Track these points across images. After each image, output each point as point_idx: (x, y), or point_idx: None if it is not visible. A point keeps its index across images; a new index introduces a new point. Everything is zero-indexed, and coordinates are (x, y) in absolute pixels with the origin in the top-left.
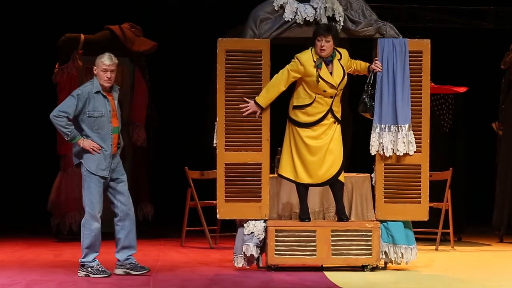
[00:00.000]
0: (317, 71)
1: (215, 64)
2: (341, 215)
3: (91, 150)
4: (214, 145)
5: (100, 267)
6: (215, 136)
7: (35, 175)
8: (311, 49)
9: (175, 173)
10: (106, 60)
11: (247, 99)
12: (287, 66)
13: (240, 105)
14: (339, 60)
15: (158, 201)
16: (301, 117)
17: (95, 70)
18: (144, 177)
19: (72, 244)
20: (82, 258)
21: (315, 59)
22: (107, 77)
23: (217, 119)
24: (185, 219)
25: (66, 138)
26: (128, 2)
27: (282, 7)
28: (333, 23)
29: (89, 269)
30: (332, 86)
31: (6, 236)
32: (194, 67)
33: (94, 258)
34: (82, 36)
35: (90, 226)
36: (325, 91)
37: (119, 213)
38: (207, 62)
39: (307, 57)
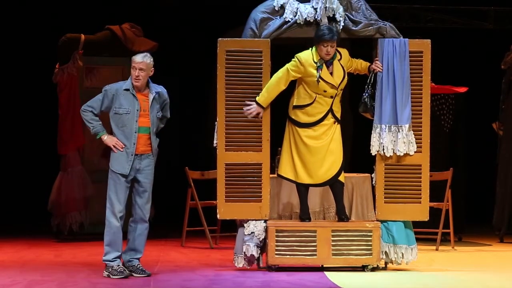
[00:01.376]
0: (318, 72)
1: (215, 64)
2: (342, 215)
3: (112, 147)
4: (214, 145)
5: (119, 267)
6: (215, 136)
7: (35, 175)
8: (312, 49)
9: (176, 173)
10: (136, 58)
11: (248, 102)
12: (287, 65)
13: (244, 108)
14: (339, 60)
15: (158, 201)
16: (301, 117)
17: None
18: None
19: (72, 244)
20: (104, 256)
21: (315, 59)
22: (135, 75)
23: (217, 119)
24: (186, 219)
25: (91, 132)
26: (128, 2)
27: (282, 7)
28: (334, 24)
29: (110, 269)
30: (332, 86)
31: (7, 236)
32: (194, 67)
33: (115, 258)
34: (83, 36)
35: (110, 224)
36: (325, 91)
37: (134, 215)
38: (207, 62)
39: (307, 57)
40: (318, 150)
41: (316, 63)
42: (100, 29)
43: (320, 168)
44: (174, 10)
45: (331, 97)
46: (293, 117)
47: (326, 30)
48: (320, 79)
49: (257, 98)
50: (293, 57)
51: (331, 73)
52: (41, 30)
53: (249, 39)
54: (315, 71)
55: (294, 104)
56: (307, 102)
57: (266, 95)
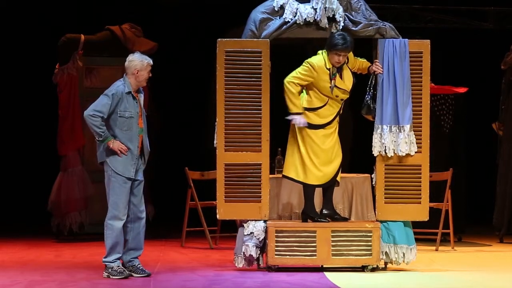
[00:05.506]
0: (331, 80)
1: (215, 65)
2: (335, 215)
3: (118, 152)
4: (215, 145)
5: (119, 268)
6: (215, 137)
7: (35, 175)
8: (322, 54)
9: (176, 174)
10: (150, 60)
11: (290, 117)
12: (299, 72)
13: (293, 122)
14: (346, 64)
15: (158, 202)
16: (313, 118)
17: (135, 71)
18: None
19: (72, 245)
20: (104, 258)
21: (328, 66)
22: (149, 77)
23: (217, 119)
24: (185, 219)
25: (97, 138)
26: (128, 2)
27: (282, 8)
28: (334, 24)
29: (110, 270)
30: (344, 91)
31: (7, 236)
32: (194, 67)
33: (115, 259)
34: (82, 36)
35: (112, 226)
36: (337, 96)
37: (130, 215)
38: (207, 62)
39: (320, 63)
40: (329, 150)
41: (329, 69)
42: (100, 29)
43: (329, 168)
44: (174, 10)
45: (342, 100)
46: None
47: (340, 40)
48: (334, 86)
49: (293, 111)
50: (304, 62)
51: (342, 78)
52: (41, 30)
53: (248, 39)
54: (328, 77)
55: (305, 106)
56: (319, 105)
57: (297, 104)
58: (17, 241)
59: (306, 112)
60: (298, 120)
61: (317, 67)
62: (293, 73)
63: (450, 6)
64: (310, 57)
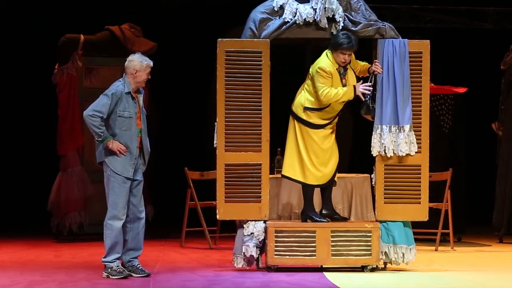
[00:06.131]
0: (342, 80)
1: (215, 65)
2: (334, 215)
3: (117, 152)
4: (214, 145)
5: (118, 267)
6: (215, 137)
7: (35, 175)
8: (327, 56)
9: (175, 174)
10: (150, 62)
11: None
12: (320, 83)
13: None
14: (349, 64)
15: (158, 202)
16: (314, 118)
17: (134, 71)
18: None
19: (72, 245)
20: (104, 258)
21: (335, 66)
22: (148, 78)
23: (217, 119)
24: (185, 219)
25: (97, 138)
26: (128, 2)
27: (281, 8)
28: (333, 24)
29: (109, 270)
30: None
31: (6, 236)
32: (194, 67)
33: (115, 259)
34: (82, 36)
35: (112, 226)
36: None
37: (129, 215)
38: (207, 62)
39: (330, 65)
40: (328, 150)
41: (337, 69)
42: (100, 29)
43: (327, 168)
44: (174, 10)
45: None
46: (304, 118)
47: (345, 39)
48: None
49: (351, 94)
50: (317, 70)
51: (347, 79)
52: (41, 31)
53: (249, 39)
54: (338, 78)
55: (307, 105)
56: (323, 106)
57: (343, 92)
58: (17, 241)
59: (308, 111)
60: (362, 88)
61: (329, 69)
62: (320, 90)
63: (450, 6)
64: (309, 57)
